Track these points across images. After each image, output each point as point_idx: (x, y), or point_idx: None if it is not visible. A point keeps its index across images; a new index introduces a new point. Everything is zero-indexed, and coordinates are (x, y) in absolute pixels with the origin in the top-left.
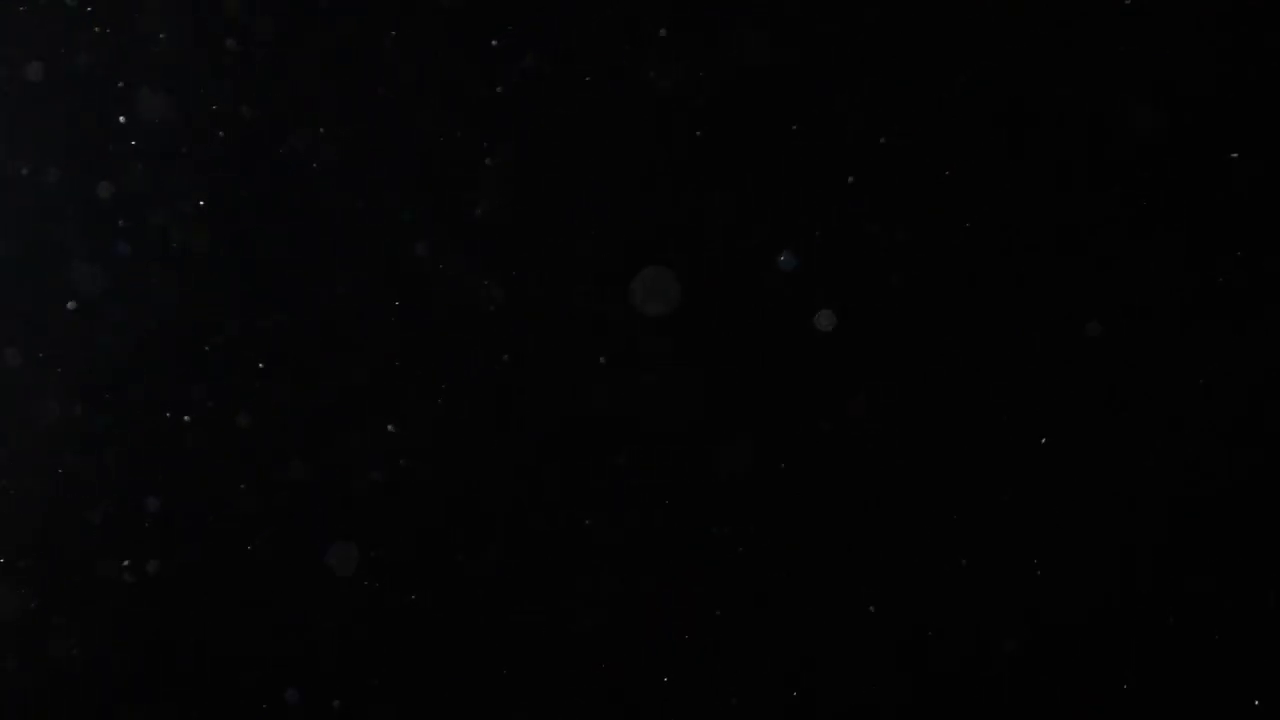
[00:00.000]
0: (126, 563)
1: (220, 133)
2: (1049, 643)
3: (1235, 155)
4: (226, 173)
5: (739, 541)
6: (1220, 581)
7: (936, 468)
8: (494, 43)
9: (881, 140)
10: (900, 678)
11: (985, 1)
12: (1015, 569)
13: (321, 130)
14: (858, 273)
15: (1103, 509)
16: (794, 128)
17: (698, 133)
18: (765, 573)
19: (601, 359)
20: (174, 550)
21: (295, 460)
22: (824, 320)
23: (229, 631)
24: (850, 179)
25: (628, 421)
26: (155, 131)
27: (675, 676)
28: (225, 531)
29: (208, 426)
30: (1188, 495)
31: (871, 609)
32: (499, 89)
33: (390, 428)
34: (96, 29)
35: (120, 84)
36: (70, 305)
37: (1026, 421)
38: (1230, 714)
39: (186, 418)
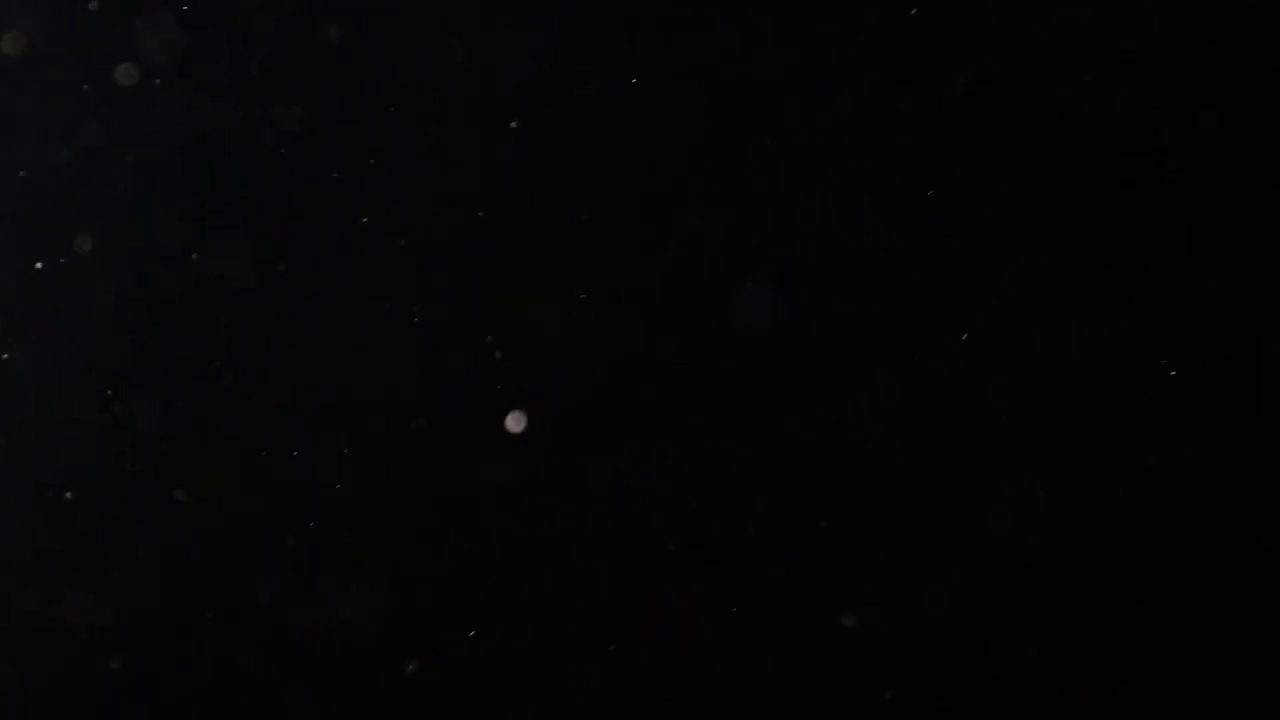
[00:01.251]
0: (124, 564)
1: (218, 132)
2: (1048, 643)
3: (1234, 157)
4: (225, 173)
5: (738, 542)
6: (1220, 582)
7: (936, 468)
8: (494, 42)
9: (881, 141)
10: (899, 678)
11: (985, 1)
12: (1014, 570)
13: (319, 131)
14: (856, 273)
15: (1102, 509)
16: (794, 128)
17: (698, 133)
18: (765, 573)
19: (599, 359)
20: (173, 550)
21: (295, 461)
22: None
23: (228, 632)
24: (850, 180)
25: (627, 421)
26: (155, 131)
27: (674, 677)
28: (224, 532)
29: (206, 428)
30: (1187, 495)
31: (875, 616)
32: (498, 89)
33: (388, 429)
34: (95, 28)
35: (119, 83)
36: (67, 305)
37: (1026, 422)
38: (1230, 714)
39: (184, 420)
